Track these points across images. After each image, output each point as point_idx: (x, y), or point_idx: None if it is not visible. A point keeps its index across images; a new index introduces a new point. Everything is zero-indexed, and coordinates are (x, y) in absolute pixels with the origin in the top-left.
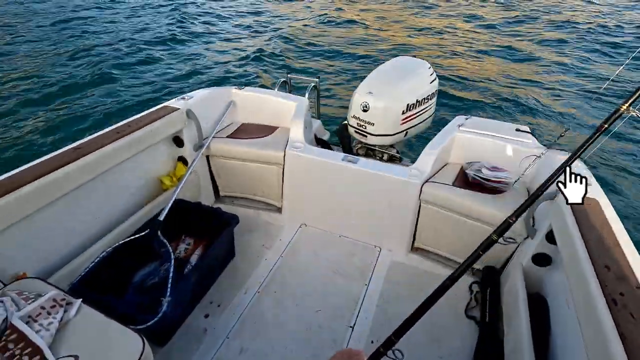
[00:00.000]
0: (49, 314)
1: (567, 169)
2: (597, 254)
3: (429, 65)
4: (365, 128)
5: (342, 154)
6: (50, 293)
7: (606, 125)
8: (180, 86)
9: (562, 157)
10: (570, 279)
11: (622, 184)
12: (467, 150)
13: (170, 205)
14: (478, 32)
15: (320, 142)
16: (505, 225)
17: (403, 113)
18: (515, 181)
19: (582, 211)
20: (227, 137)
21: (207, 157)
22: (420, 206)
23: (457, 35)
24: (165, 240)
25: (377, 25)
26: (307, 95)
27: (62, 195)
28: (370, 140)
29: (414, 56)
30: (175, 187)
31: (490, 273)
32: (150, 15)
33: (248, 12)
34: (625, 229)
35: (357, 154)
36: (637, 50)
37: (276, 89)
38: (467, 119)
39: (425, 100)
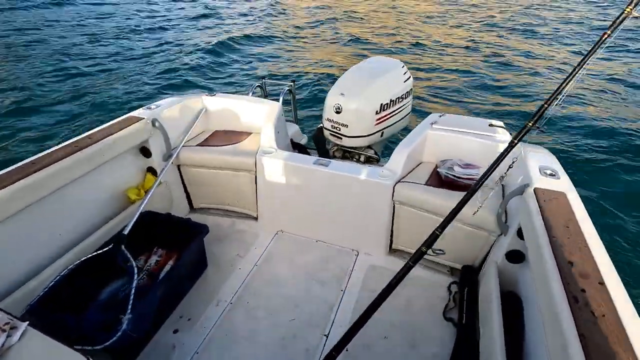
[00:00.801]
0: None
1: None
2: (562, 250)
3: (403, 64)
4: (340, 130)
5: (314, 158)
6: None
7: (530, 124)
8: (148, 96)
9: (536, 150)
10: (535, 276)
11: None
12: (440, 148)
13: (135, 218)
14: (452, 30)
15: (297, 147)
16: (433, 237)
17: (377, 113)
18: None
19: (548, 206)
20: (198, 145)
21: (179, 166)
22: (394, 207)
23: (432, 34)
24: (129, 255)
25: (356, 26)
26: (281, 99)
27: (14, 213)
28: (346, 142)
29: (387, 56)
30: (142, 199)
31: (468, 272)
32: (105, 23)
33: (219, 15)
34: (596, 224)
35: (334, 157)
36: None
37: (250, 94)
38: (440, 116)
39: (400, 100)
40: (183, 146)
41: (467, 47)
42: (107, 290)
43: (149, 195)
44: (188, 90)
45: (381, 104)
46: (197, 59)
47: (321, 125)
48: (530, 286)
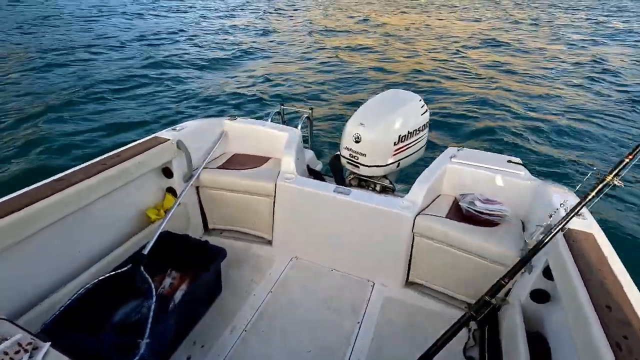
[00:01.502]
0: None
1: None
2: (597, 293)
3: (420, 97)
4: (358, 159)
5: (334, 186)
6: (16, 337)
7: (593, 194)
8: (173, 119)
9: (555, 188)
10: (570, 319)
11: (619, 219)
12: (459, 181)
13: (155, 238)
14: (468, 67)
15: (312, 173)
16: (498, 286)
17: (395, 144)
18: (508, 212)
19: (578, 246)
20: (218, 167)
21: (197, 188)
22: (413, 239)
23: (449, 69)
24: (147, 276)
25: (371, 57)
26: (299, 125)
27: (41, 229)
28: (363, 171)
29: (405, 89)
30: (162, 219)
31: (489, 310)
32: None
33: (242, 42)
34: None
35: (350, 185)
36: None
37: (269, 120)
38: (459, 150)
39: (417, 132)
40: (204, 168)
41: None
42: (122, 312)
43: (169, 215)
44: (209, 112)
45: (399, 136)
46: (225, 84)
47: (338, 152)
48: (559, 328)
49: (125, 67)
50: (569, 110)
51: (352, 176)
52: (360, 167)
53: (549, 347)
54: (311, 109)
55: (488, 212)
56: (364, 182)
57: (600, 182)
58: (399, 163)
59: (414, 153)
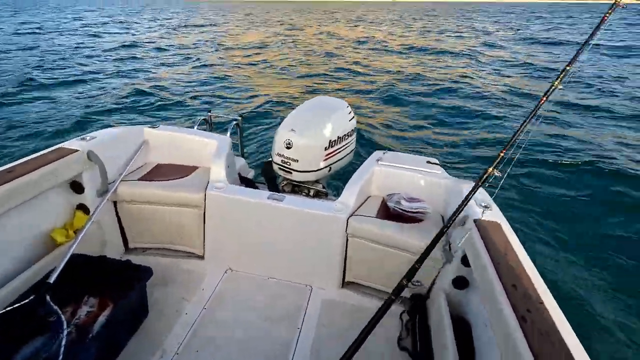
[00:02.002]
0: None
1: (472, 193)
2: (505, 274)
3: (347, 104)
4: (290, 165)
5: (268, 192)
6: None
7: (480, 183)
8: (82, 129)
9: (467, 185)
10: (484, 299)
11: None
12: (386, 182)
13: (64, 263)
14: (389, 76)
15: (245, 181)
16: (412, 270)
17: (325, 149)
18: (430, 209)
19: (489, 235)
20: (139, 179)
21: (115, 203)
22: (347, 240)
23: (371, 77)
24: (56, 307)
25: (299, 64)
26: (229, 133)
27: None
28: (295, 176)
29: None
30: (71, 241)
31: (419, 300)
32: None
33: (161, 46)
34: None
35: (283, 191)
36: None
37: (195, 127)
38: (384, 153)
39: (346, 137)
40: (121, 181)
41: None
42: (26, 351)
43: (81, 236)
44: (126, 122)
45: (330, 141)
46: (136, 91)
47: (270, 159)
48: (478, 309)
49: (22, 72)
50: (479, 113)
51: (285, 182)
52: (293, 172)
53: (471, 329)
54: (241, 116)
55: (412, 210)
56: (297, 188)
57: (485, 174)
58: (330, 167)
59: (344, 157)
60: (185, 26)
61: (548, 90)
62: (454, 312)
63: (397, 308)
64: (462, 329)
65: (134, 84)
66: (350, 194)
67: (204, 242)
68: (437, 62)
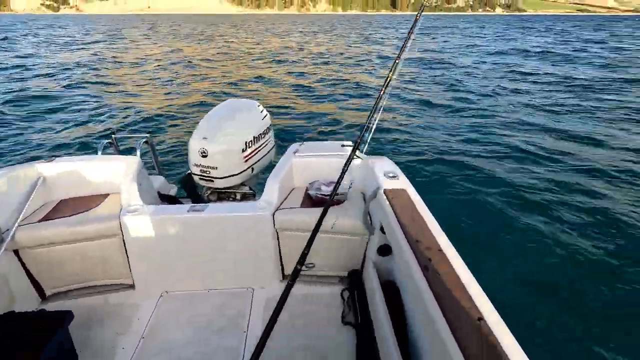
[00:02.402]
0: None
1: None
2: (410, 232)
3: (258, 103)
4: (210, 173)
5: (188, 205)
6: None
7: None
8: None
9: (379, 161)
10: (397, 258)
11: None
12: (306, 172)
13: None
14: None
15: (166, 199)
16: (303, 256)
17: (243, 151)
18: (348, 189)
19: (395, 201)
20: (40, 221)
21: (16, 251)
22: (278, 235)
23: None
24: None
25: (203, 70)
26: (138, 152)
27: None
28: (219, 183)
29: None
30: None
31: (355, 276)
32: None
33: (58, 65)
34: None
35: (209, 201)
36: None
37: (99, 153)
38: (300, 145)
39: (262, 136)
40: (19, 226)
41: (306, 84)
42: None
43: None
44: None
45: (246, 142)
46: (19, 120)
47: (189, 172)
48: (400, 270)
49: None
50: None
51: (209, 191)
52: (215, 180)
53: (399, 290)
54: (149, 132)
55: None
56: (223, 195)
57: (352, 153)
58: (252, 168)
59: (265, 155)
60: (75, 42)
61: (386, 81)
62: (383, 278)
63: (337, 288)
64: (392, 292)
65: (17, 113)
66: (271, 190)
67: (130, 270)
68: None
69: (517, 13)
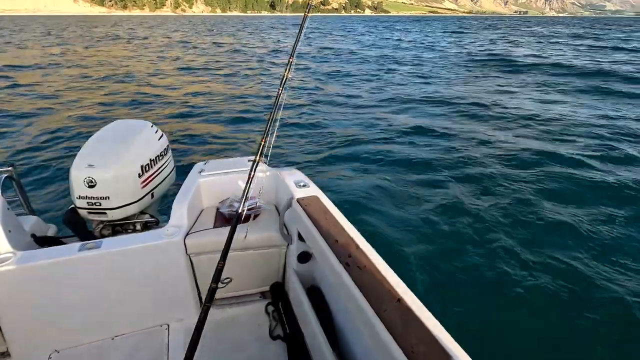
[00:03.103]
0: None
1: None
2: (327, 234)
3: (151, 123)
4: (100, 204)
5: (79, 244)
6: None
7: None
8: None
9: (288, 172)
10: (320, 261)
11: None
12: (215, 191)
13: None
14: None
15: (44, 241)
16: (219, 270)
17: (140, 176)
18: (260, 203)
19: (309, 208)
20: None
21: None
22: (191, 260)
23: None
24: None
25: (77, 88)
26: None
27: None
28: (112, 215)
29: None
30: None
31: (277, 288)
32: None
33: None
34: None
35: (103, 236)
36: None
37: None
38: (205, 164)
39: (160, 157)
40: None
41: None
42: None
43: None
44: None
45: (142, 166)
46: None
47: (72, 206)
48: (323, 275)
49: None
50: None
51: (101, 226)
52: (108, 212)
53: (322, 293)
54: (11, 165)
55: (246, 209)
56: (119, 227)
57: (255, 162)
58: (152, 194)
59: (165, 178)
60: None
61: (282, 81)
62: (306, 285)
63: (261, 304)
64: (317, 296)
65: None
66: (180, 214)
67: (2, 335)
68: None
69: (383, 14)
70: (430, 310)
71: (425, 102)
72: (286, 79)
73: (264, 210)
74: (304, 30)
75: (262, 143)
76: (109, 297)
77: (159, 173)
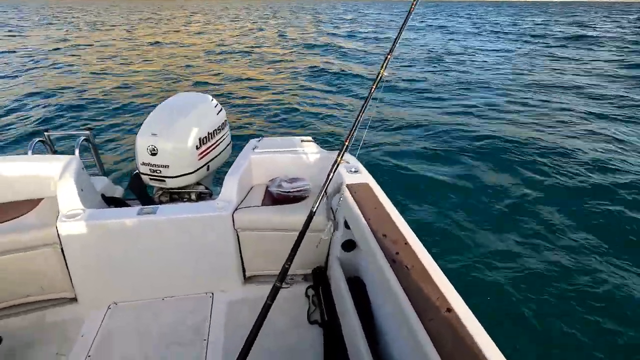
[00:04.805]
0: None
1: (336, 166)
2: (375, 226)
3: (212, 97)
4: (161, 172)
5: (138, 208)
6: None
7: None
8: None
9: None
10: (364, 252)
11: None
12: (266, 169)
13: None
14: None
15: (111, 201)
16: (284, 271)
17: (197, 148)
18: (310, 186)
19: (358, 195)
20: None
21: None
22: (238, 235)
23: (233, 67)
24: None
25: (145, 64)
26: (77, 151)
27: None
28: (170, 183)
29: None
30: None
31: (319, 273)
32: None
33: None
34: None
35: (160, 202)
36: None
37: (29, 153)
38: (259, 140)
39: (218, 132)
40: None
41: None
42: None
43: None
44: None
45: (200, 139)
46: None
47: (137, 171)
48: (367, 266)
49: None
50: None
51: (160, 192)
52: (167, 180)
53: (364, 284)
54: (89, 129)
55: (295, 190)
56: (176, 195)
57: (341, 151)
58: (208, 166)
59: (221, 152)
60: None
61: (376, 78)
62: (348, 274)
63: (302, 287)
64: (358, 287)
65: None
66: (230, 189)
67: (71, 282)
68: (294, 51)
69: None
70: (485, 328)
71: None
72: (381, 77)
73: (312, 192)
74: (408, 21)
75: (351, 135)
76: (161, 260)
77: (216, 146)
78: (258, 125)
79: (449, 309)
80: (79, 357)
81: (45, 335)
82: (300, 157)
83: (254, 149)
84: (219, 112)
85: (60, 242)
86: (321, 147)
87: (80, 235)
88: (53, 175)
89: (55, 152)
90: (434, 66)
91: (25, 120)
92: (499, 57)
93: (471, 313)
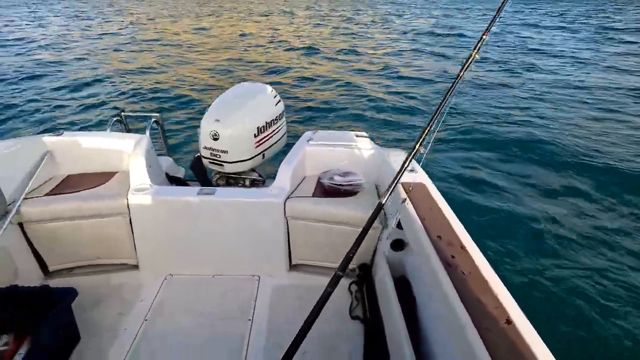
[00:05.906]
0: None
1: (404, 169)
2: (431, 228)
3: (271, 88)
4: (220, 157)
5: (198, 188)
6: None
7: (410, 158)
8: None
9: (395, 153)
10: (416, 253)
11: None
12: (319, 161)
13: None
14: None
15: (174, 180)
16: (347, 260)
17: (255, 136)
18: (363, 181)
19: (414, 195)
20: (46, 195)
21: (21, 224)
22: (287, 223)
23: (295, 59)
24: None
25: (215, 53)
26: (148, 132)
27: None
28: (228, 168)
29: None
30: None
31: (364, 269)
32: None
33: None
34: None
35: (217, 185)
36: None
37: (108, 130)
38: (314, 133)
39: (275, 122)
40: (25, 199)
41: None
42: None
43: None
44: (22, 134)
45: (258, 127)
46: (31, 94)
47: (198, 154)
48: (415, 266)
49: None
50: (405, 92)
51: (218, 175)
52: (225, 164)
53: (411, 286)
54: (159, 112)
55: (346, 183)
56: (232, 180)
57: (413, 150)
58: (263, 154)
59: (276, 142)
60: (80, 17)
61: (466, 62)
62: (395, 273)
63: (345, 280)
64: (405, 288)
65: (24, 89)
66: (284, 177)
67: (135, 250)
68: (359, 43)
69: None
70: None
71: None
72: (472, 59)
73: (365, 188)
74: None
75: (423, 136)
76: (216, 239)
77: (272, 136)
78: (314, 118)
79: (509, 321)
80: (138, 320)
81: (110, 295)
82: (353, 152)
83: (308, 140)
84: (277, 103)
85: (130, 212)
86: (375, 143)
87: (147, 208)
88: (127, 152)
89: (129, 131)
90: (518, 64)
91: (105, 102)
92: (602, 56)
93: (532, 328)
